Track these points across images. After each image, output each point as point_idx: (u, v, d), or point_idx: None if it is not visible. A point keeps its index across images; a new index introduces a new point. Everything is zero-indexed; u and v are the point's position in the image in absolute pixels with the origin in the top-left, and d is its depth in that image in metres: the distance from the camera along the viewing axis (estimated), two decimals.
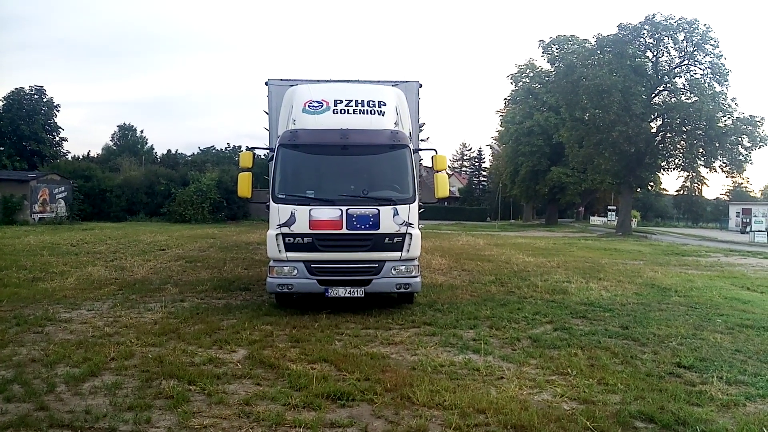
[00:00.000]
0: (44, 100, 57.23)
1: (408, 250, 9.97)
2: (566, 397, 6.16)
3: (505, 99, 67.99)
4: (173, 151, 69.40)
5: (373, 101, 10.58)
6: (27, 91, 56.34)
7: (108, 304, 10.88)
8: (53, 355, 7.31)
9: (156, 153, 73.62)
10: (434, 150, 10.65)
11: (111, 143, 77.90)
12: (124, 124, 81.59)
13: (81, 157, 63.39)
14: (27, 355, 7.36)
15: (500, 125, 68.45)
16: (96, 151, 73.69)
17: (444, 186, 10.50)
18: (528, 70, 63.13)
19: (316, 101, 10.53)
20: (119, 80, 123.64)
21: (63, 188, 40.66)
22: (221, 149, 70.92)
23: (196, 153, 68.82)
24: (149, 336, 8.33)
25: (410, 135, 11.32)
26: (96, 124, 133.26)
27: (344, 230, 9.71)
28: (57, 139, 59.62)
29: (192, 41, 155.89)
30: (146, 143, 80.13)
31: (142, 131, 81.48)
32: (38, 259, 17.39)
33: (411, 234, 9.94)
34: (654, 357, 7.81)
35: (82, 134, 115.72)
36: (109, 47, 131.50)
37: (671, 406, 5.89)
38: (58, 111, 58.73)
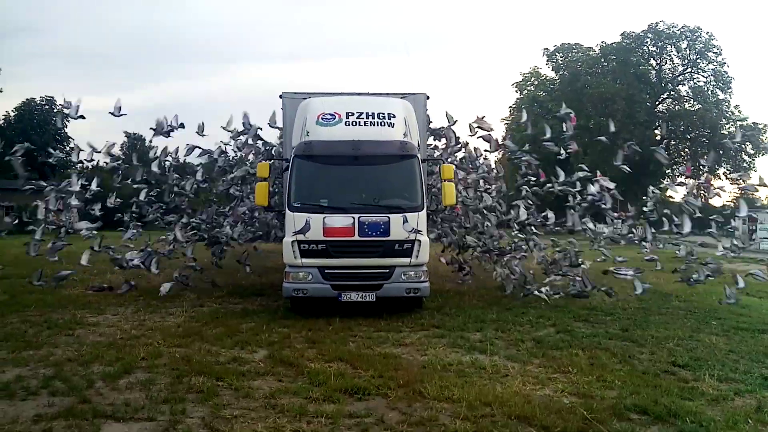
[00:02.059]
0: (54, 110, 58.04)
1: (417, 256, 10.43)
2: (566, 392, 6.62)
3: (509, 107, 68.34)
4: (182, 160, 69.93)
5: (383, 113, 11.10)
6: (38, 102, 57.19)
7: (131, 309, 11.41)
8: (87, 355, 7.85)
9: (166, 162, 74.07)
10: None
11: (120, 153, 78.64)
12: (133, 133, 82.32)
13: (91, 167, 64.16)
14: (62, 355, 7.89)
15: (505, 133, 68.82)
16: (105, 160, 74.26)
17: (451, 194, 10.93)
18: (533, 78, 63.56)
19: (329, 114, 11.06)
20: (128, 90, 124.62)
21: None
22: (232, 158, 71.27)
23: (205, 162, 69.18)
24: (174, 338, 8.85)
25: (418, 145, 11.80)
26: (105, 134, 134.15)
27: (356, 237, 10.19)
28: (67, 149, 60.42)
29: (202, 51, 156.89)
30: (156, 153, 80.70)
31: (150, 140, 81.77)
32: (57, 266, 17.83)
33: (420, 240, 10.40)
34: (651, 357, 8.25)
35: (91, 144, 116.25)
36: (119, 57, 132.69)
37: (664, 400, 6.33)
38: (68, 121, 59.38)
